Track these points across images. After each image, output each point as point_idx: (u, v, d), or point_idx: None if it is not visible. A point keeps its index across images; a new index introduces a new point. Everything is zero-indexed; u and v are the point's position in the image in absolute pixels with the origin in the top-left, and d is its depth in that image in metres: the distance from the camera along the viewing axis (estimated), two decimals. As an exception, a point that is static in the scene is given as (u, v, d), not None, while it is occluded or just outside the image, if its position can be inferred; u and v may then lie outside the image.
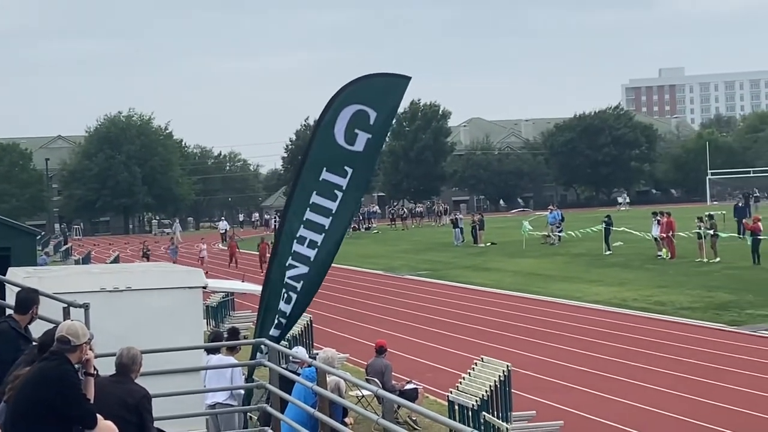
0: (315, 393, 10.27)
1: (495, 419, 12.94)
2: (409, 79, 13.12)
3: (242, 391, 12.97)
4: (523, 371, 18.76)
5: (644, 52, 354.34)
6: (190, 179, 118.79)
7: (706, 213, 43.66)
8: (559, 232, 53.01)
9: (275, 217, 75.95)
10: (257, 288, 21.75)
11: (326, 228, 13.05)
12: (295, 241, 13.00)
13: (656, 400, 16.60)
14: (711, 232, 38.88)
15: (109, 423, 7.14)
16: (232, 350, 13.61)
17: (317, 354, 13.07)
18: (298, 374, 11.49)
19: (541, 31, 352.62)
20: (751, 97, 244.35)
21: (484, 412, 12.99)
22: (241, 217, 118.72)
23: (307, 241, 13.02)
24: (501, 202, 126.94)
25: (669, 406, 16.12)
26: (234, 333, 14.86)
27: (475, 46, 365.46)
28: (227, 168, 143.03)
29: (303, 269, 13.06)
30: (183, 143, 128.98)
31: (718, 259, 37.99)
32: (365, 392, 15.04)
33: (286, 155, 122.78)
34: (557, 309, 29.07)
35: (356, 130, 12.93)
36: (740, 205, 53.70)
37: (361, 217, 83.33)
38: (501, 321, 27.07)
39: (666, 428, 14.75)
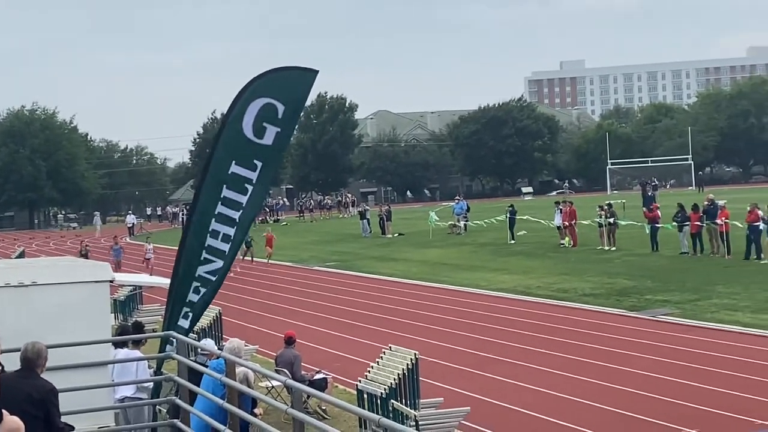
0: (224, 384, 10.31)
1: (403, 407, 13.13)
2: (316, 72, 13.19)
3: (151, 384, 12.92)
4: (431, 359, 19.02)
5: (546, 45, 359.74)
6: (96, 173, 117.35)
7: (606, 202, 44.74)
8: (465, 222, 53.70)
9: (183, 210, 75.30)
10: (165, 281, 21.61)
11: (237, 221, 13.08)
12: (208, 235, 12.98)
13: (561, 384, 17.00)
14: (611, 220, 39.89)
15: (15, 418, 7.08)
16: (137, 344, 13.56)
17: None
18: (207, 366, 11.51)
19: (446, 24, 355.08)
20: (648, 89, 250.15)
21: (392, 400, 13.16)
22: (148, 211, 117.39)
23: (221, 234, 13.02)
24: (408, 193, 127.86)
25: (573, 390, 16.53)
26: (138, 327, 14.80)
27: (380, 39, 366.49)
28: (134, 162, 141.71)
29: (218, 263, 13.08)
30: (88, 137, 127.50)
31: (615, 247, 39.00)
32: (275, 383, 15.11)
33: (193, 148, 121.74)
34: (464, 297, 29.48)
35: (265, 124, 12.95)
36: (650, 194, 55.03)
37: (269, 210, 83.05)
38: (409, 310, 27.35)
39: (571, 412, 15.13)
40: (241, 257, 40.65)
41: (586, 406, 15.46)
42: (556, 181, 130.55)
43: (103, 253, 48.64)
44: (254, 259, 43.81)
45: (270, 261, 43.88)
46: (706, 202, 37.32)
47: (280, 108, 12.98)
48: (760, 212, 33.09)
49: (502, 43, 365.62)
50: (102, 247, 56.10)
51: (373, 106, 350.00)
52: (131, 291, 26.15)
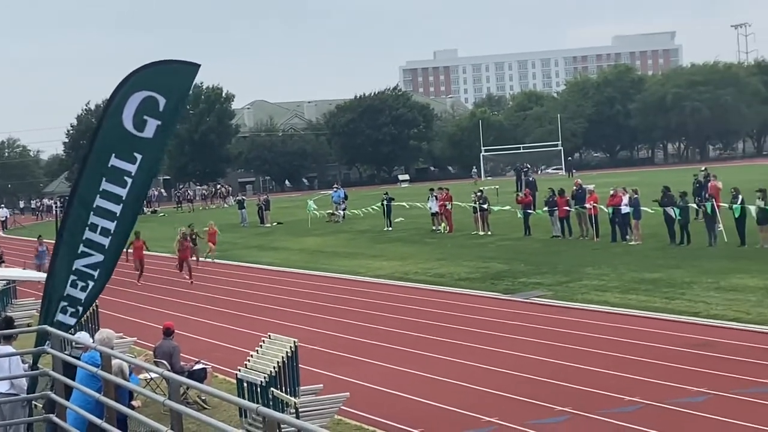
0: (100, 378, 10.22)
1: (283, 394, 13.21)
2: (198, 66, 13.16)
3: (25, 380, 12.69)
4: (312, 347, 19.15)
5: (420, 34, 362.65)
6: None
7: (479, 188, 45.62)
8: (343, 210, 53.97)
9: (57, 203, 73.52)
10: (41, 276, 21.20)
11: (117, 215, 12.93)
12: (87, 228, 12.81)
13: (439, 368, 17.33)
14: (485, 206, 40.72)
15: None
16: (8, 339, 13.29)
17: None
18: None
19: (321, 13, 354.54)
20: (519, 77, 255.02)
21: (272, 388, 13.23)
22: (21, 204, 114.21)
23: (100, 228, 12.85)
24: (286, 182, 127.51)
25: (451, 373, 16.87)
26: (8, 322, 14.48)
27: (257, 28, 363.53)
28: (6, 154, 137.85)
29: (98, 257, 12.91)
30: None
31: (489, 232, 39.86)
32: (153, 375, 15.01)
33: (67, 140, 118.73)
34: (343, 284, 29.68)
35: (145, 117, 12.84)
36: (531, 179, 56.11)
37: (146, 201, 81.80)
38: (289, 298, 27.41)
39: (449, 395, 15.44)
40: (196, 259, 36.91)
41: (464, 389, 15.81)
42: (432, 168, 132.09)
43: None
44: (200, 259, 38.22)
45: (212, 260, 39.01)
46: (574, 187, 38.44)
47: (162, 101, 12.90)
48: (624, 196, 34.27)
49: (376, 33, 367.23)
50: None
51: (249, 96, 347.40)
52: (5, 285, 25.51)
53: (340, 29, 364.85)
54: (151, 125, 12.91)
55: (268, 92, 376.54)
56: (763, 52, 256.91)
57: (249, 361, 14.04)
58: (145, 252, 34.66)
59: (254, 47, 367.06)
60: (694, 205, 33.73)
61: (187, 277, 33.27)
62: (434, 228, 42.81)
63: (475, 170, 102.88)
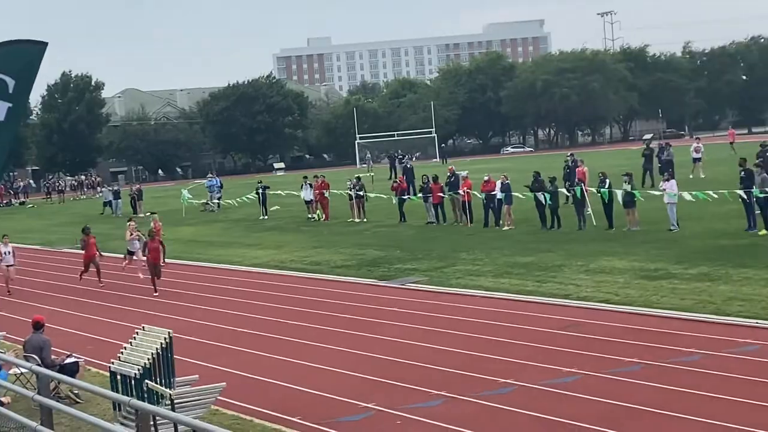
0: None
1: (158, 386, 13.01)
2: (45, 44, 12.78)
3: None
4: (187, 337, 18.93)
5: (293, 22, 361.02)
6: None
7: (356, 176, 45.77)
8: (218, 199, 53.45)
9: None
10: None
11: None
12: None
13: (316, 355, 17.34)
14: (361, 193, 40.89)
15: None
16: None
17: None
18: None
19: (192, 1, 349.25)
20: (393, 65, 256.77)
21: (146, 381, 13.02)
22: None
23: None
24: (160, 171, 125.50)
25: (327, 360, 16.90)
26: None
27: (126, 15, 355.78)
28: None
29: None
30: None
31: (365, 219, 40.08)
32: (23, 369, 14.60)
33: None
34: (218, 274, 29.42)
35: (-5, 100, 12.47)
36: (409, 166, 56.36)
37: (13, 192, 79.44)
38: (163, 289, 26.97)
39: (327, 382, 15.46)
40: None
41: (341, 375, 15.85)
42: (307, 156, 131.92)
43: None
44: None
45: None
46: (448, 174, 38.94)
47: (11, 83, 12.51)
48: (497, 182, 34.90)
49: (249, 20, 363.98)
50: None
51: (120, 84, 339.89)
52: None
53: (212, 16, 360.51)
54: (2, 108, 12.53)
55: (140, 81, 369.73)
56: (628, 39, 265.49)
57: (122, 353, 13.78)
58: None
59: (125, 35, 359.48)
60: (564, 190, 34.57)
61: (98, 279, 29.14)
62: (310, 216, 42.81)
63: (369, 156, 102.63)
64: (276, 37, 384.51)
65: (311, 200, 43.17)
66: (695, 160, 47.35)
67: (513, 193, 34.28)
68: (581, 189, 32.41)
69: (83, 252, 30.02)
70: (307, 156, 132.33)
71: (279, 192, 49.68)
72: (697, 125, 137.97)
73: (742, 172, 28.75)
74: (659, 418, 12.28)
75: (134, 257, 30.65)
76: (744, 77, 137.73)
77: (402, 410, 13.53)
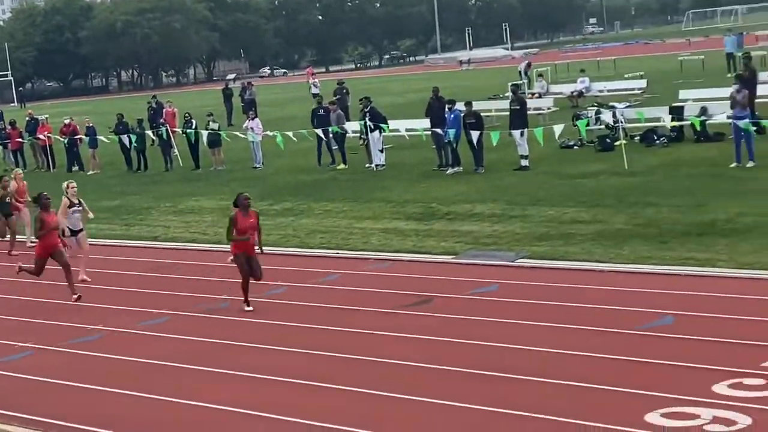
0: None
1: None
2: None
3: None
4: None
5: None
6: None
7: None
8: None
9: None
10: None
11: None
12: None
13: None
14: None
15: None
16: None
17: None
18: None
19: None
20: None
21: None
22: None
23: None
24: None
25: None
26: None
27: None
28: None
29: None
30: None
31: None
32: None
33: None
34: None
35: None
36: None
37: None
38: None
39: None
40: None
41: None
42: None
43: None
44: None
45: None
46: (27, 118, 37.23)
47: None
48: (76, 125, 33.98)
49: None
50: None
51: None
52: None
53: None
54: None
55: None
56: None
57: None
58: None
59: None
60: (150, 133, 34.20)
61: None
62: None
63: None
64: None
65: None
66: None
67: (98, 137, 33.47)
68: (167, 130, 32.25)
69: None
70: None
71: None
72: (278, 64, 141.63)
73: (321, 111, 30.01)
74: (255, 351, 12.66)
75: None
76: (320, 17, 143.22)
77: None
